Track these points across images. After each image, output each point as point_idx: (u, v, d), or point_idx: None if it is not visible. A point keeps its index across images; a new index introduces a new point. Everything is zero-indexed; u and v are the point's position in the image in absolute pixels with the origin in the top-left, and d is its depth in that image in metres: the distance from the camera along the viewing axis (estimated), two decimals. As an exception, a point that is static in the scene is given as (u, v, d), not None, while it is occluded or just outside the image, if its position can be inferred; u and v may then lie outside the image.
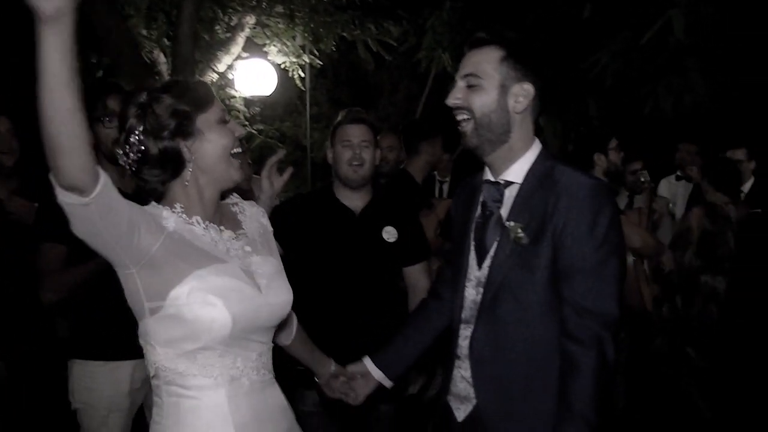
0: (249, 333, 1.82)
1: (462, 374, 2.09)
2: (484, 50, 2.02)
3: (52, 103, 1.34)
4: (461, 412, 2.10)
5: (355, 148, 2.98)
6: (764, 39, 5.66)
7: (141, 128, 1.73)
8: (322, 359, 2.35)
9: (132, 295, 1.74)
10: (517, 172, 2.04)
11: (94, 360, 2.93)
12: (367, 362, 2.37)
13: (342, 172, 3.01)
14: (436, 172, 6.23)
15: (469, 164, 2.42)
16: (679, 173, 6.31)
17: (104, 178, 1.50)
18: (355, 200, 3.07)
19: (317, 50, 8.07)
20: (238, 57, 7.55)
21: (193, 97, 1.78)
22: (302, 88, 8.54)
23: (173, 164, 1.76)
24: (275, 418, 1.91)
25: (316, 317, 2.86)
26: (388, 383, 2.36)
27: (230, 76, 7.73)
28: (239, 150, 1.88)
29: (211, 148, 1.80)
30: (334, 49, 8.23)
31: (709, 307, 4.69)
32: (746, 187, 5.14)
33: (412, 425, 3.59)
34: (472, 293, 2.08)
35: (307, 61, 8.14)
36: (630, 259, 3.90)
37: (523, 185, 2.02)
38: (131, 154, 1.75)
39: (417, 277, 3.13)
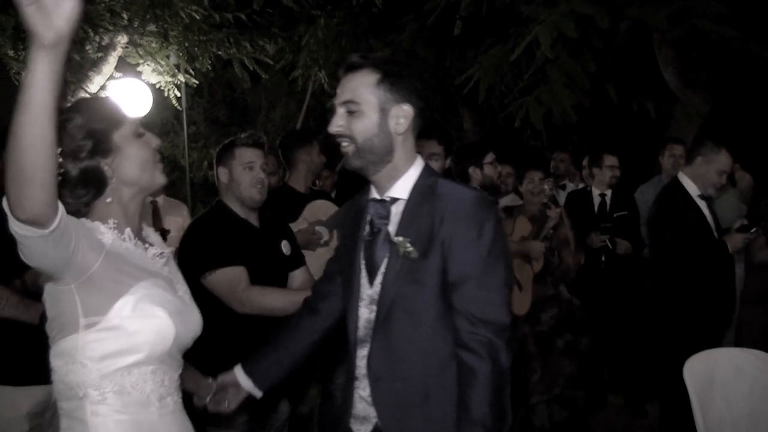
0: (178, 349, 1.83)
1: (360, 394, 2.08)
2: (359, 74, 2.01)
3: (33, 133, 1.30)
4: None
5: (258, 172, 3.08)
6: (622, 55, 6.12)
7: (58, 151, 1.65)
8: (201, 379, 2.30)
9: (64, 310, 1.69)
10: (401, 188, 2.05)
11: None
12: (238, 372, 2.32)
13: (247, 194, 3.07)
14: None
15: (353, 181, 2.44)
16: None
17: (62, 209, 1.47)
18: (252, 217, 3.16)
19: (193, 69, 7.94)
20: (111, 77, 7.32)
21: (105, 115, 1.77)
22: (179, 108, 8.40)
23: (96, 183, 1.75)
24: None
25: (233, 334, 2.89)
26: (258, 393, 2.31)
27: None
28: (159, 162, 1.89)
29: (130, 164, 1.80)
30: (210, 68, 8.12)
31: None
32: (608, 192, 5.52)
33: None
34: (365, 312, 2.07)
35: (183, 80, 7.99)
36: None
37: (408, 201, 2.03)
38: None
39: (302, 279, 3.25)
